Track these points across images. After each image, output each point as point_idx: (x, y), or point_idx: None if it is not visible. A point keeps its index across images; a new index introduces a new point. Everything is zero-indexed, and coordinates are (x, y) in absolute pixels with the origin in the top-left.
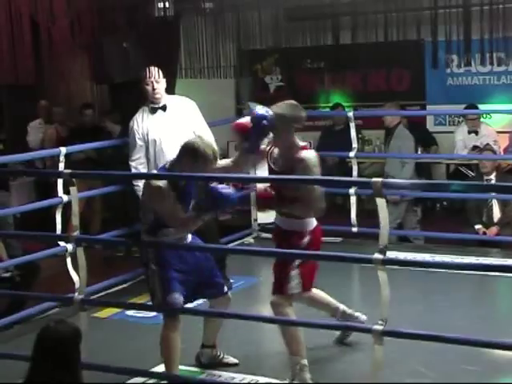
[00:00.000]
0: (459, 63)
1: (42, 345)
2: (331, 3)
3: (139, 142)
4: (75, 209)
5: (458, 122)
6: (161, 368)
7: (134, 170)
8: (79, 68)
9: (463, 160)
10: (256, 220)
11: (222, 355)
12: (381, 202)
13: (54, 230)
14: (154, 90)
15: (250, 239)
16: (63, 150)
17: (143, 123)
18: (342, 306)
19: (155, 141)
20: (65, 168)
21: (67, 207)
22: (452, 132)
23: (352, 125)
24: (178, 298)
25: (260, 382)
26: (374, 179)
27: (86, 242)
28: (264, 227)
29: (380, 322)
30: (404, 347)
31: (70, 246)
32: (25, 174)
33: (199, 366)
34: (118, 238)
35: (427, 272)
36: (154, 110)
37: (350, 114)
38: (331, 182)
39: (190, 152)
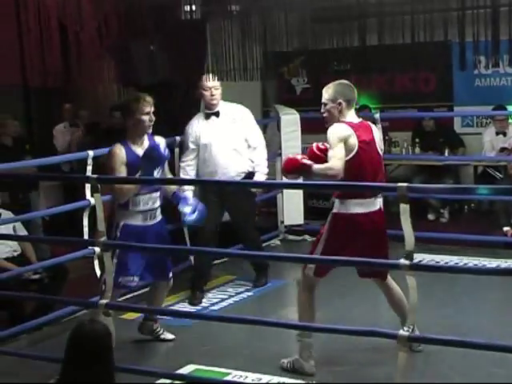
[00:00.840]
0: (487, 64)
1: (79, 343)
2: (358, 4)
3: (192, 146)
4: (100, 215)
5: (486, 123)
6: (188, 369)
7: (181, 171)
8: (106, 71)
9: (491, 162)
10: (283, 222)
11: (161, 331)
12: (404, 208)
13: (83, 229)
14: (212, 96)
15: (276, 241)
16: (91, 153)
17: (197, 128)
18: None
19: (206, 145)
20: (93, 171)
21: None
22: (480, 133)
23: (379, 126)
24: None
25: (287, 382)
26: (400, 184)
27: (113, 246)
28: (290, 229)
29: (406, 328)
30: (432, 350)
31: (97, 249)
32: (52, 178)
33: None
34: None
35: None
36: (207, 116)
37: (377, 116)
38: (356, 187)
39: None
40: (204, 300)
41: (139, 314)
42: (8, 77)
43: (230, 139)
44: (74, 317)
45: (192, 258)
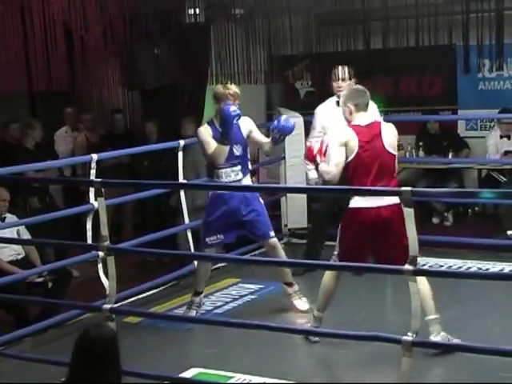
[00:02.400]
0: (491, 68)
1: (86, 347)
2: (362, 8)
3: (318, 128)
4: (103, 219)
5: (490, 126)
6: (192, 372)
7: (307, 144)
8: (111, 74)
9: (495, 165)
10: (286, 225)
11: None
12: (409, 212)
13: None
14: (339, 87)
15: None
16: (95, 156)
17: (327, 112)
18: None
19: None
20: (96, 175)
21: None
22: (484, 137)
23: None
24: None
25: None
26: (404, 188)
27: (116, 251)
28: (294, 232)
29: (410, 334)
30: (437, 355)
31: (101, 253)
32: (56, 182)
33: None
34: (149, 242)
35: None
36: (338, 103)
37: (381, 119)
38: (361, 191)
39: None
40: (208, 303)
41: (143, 318)
42: (14, 84)
43: None
44: (79, 320)
45: (196, 262)
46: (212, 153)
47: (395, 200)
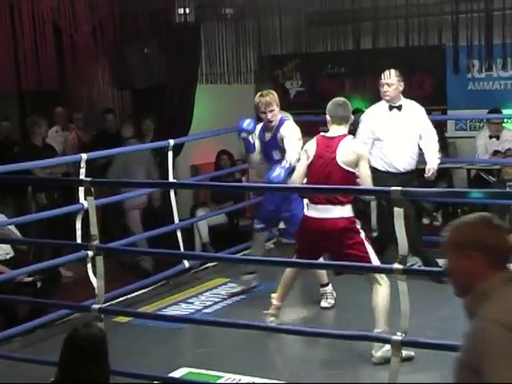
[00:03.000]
0: (480, 68)
1: (75, 347)
2: (352, 8)
3: (365, 134)
4: (93, 219)
5: (479, 127)
6: (181, 372)
7: None
8: (101, 74)
9: (484, 165)
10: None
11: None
12: (398, 212)
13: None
14: (385, 92)
15: (270, 244)
16: (84, 156)
17: (377, 116)
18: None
19: (383, 135)
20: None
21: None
22: (473, 137)
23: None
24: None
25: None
26: (394, 188)
27: (105, 250)
28: (284, 232)
29: (399, 333)
30: (426, 352)
31: (90, 253)
32: (46, 182)
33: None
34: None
35: None
36: (391, 108)
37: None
38: (352, 190)
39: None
40: (197, 302)
41: (132, 318)
42: (3, 83)
43: (407, 133)
44: (68, 320)
45: (186, 261)
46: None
47: (341, 214)
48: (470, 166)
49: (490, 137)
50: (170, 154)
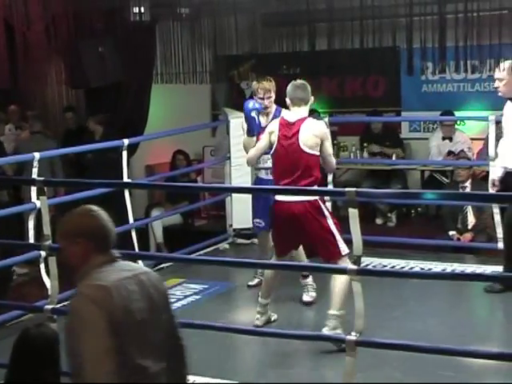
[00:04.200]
0: (434, 70)
1: (27, 345)
2: (308, 9)
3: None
4: (46, 218)
5: (433, 128)
6: None
7: None
8: (55, 72)
9: (438, 167)
10: (231, 226)
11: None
12: (353, 212)
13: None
14: (496, 88)
15: (225, 245)
16: (37, 155)
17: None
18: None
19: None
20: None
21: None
22: (426, 138)
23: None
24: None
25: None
26: (348, 189)
27: (58, 250)
28: (239, 233)
29: (354, 334)
30: (380, 353)
31: (43, 253)
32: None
33: None
34: None
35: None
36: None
37: (326, 120)
38: (307, 191)
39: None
40: None
41: None
42: None
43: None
44: (20, 320)
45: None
46: (243, 143)
47: (306, 198)
48: (424, 168)
49: (443, 138)
50: (125, 153)
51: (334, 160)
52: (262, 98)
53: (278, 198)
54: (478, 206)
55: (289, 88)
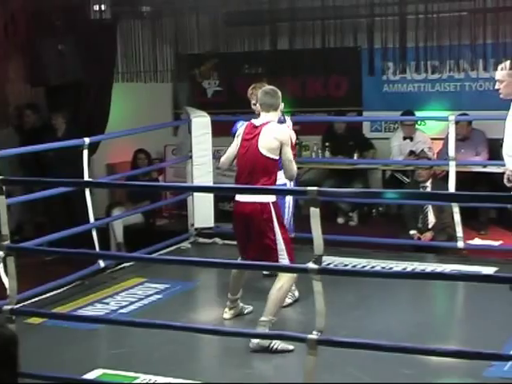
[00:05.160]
0: (395, 70)
1: None
2: (269, 9)
3: None
4: (4, 218)
5: (394, 128)
6: (95, 374)
7: None
8: (14, 70)
9: (399, 166)
10: (193, 225)
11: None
12: (314, 211)
13: None
14: (497, 89)
15: (186, 244)
16: None
17: None
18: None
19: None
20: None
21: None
22: (388, 138)
23: (286, 130)
24: None
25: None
26: (310, 188)
27: (16, 250)
28: (201, 232)
29: (315, 332)
30: (341, 352)
31: (1, 253)
32: None
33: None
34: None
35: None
36: None
37: (288, 119)
38: (268, 190)
39: None
40: (113, 303)
41: (46, 319)
42: None
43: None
44: None
45: (101, 261)
46: None
47: (257, 198)
48: (385, 167)
49: (404, 138)
50: (86, 152)
51: (294, 167)
52: (255, 105)
53: (236, 197)
54: (438, 206)
55: (259, 94)
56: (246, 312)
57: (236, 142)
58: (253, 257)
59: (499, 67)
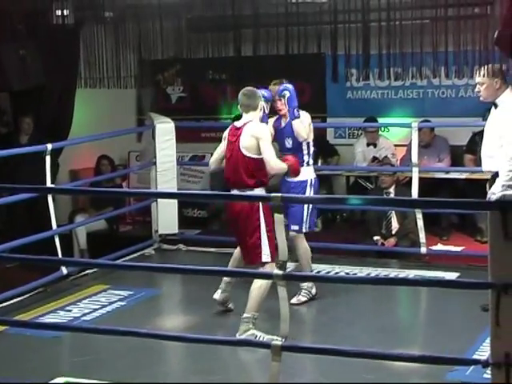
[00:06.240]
0: (358, 77)
1: None
2: (233, 15)
3: None
4: None
5: (358, 134)
6: (58, 382)
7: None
8: None
9: (362, 172)
10: (157, 231)
11: None
12: (279, 217)
13: None
14: (477, 92)
15: (150, 250)
16: None
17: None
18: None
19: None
20: None
21: None
22: (351, 144)
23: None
24: None
25: None
26: (274, 194)
27: None
28: (165, 238)
29: (279, 338)
30: (305, 357)
31: None
32: None
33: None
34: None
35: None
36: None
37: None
38: (233, 197)
39: None
40: (75, 310)
41: (8, 326)
42: None
43: (492, 133)
44: None
45: (64, 268)
46: None
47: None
48: (349, 173)
49: (368, 144)
50: (48, 158)
51: (274, 164)
52: (275, 101)
53: None
54: (401, 212)
55: (239, 96)
56: (229, 307)
57: (223, 144)
58: (243, 250)
59: (479, 71)
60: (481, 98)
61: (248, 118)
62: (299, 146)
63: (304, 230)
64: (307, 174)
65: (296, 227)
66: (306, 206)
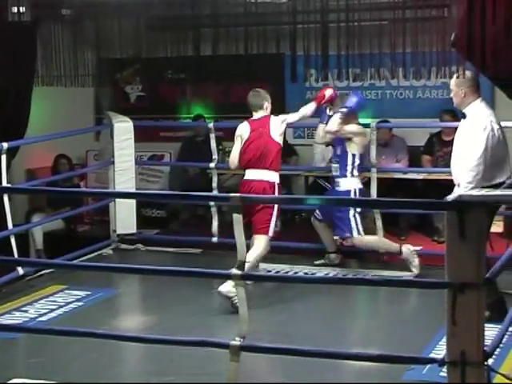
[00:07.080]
0: (317, 78)
1: None
2: (192, 14)
3: None
4: None
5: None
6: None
7: None
8: None
9: (321, 172)
10: (115, 231)
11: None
12: (237, 218)
13: None
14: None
15: (108, 250)
16: None
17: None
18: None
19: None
20: None
21: None
22: (310, 145)
23: (212, 136)
24: None
25: None
26: (233, 194)
27: None
28: (123, 238)
29: (237, 339)
30: (266, 358)
31: None
32: None
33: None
34: None
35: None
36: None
37: (211, 126)
38: (192, 197)
39: None
40: (32, 311)
41: None
42: None
43: (457, 143)
44: None
45: (20, 268)
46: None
47: (265, 177)
48: (308, 173)
49: (327, 145)
50: (4, 157)
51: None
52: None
53: (245, 177)
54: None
55: (248, 96)
56: (235, 302)
57: (238, 143)
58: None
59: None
60: (454, 104)
61: (260, 114)
62: (345, 156)
63: (355, 235)
64: (351, 183)
65: (347, 234)
66: (351, 212)
